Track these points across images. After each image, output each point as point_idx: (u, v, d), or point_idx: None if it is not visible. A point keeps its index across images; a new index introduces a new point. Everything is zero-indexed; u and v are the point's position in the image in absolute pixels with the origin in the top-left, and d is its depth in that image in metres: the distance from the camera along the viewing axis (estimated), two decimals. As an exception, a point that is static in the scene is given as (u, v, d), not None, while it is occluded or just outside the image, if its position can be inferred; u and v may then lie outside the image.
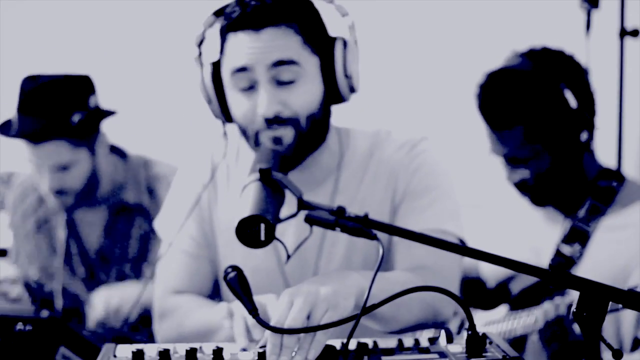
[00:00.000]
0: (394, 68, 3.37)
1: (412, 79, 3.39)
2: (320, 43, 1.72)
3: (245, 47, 1.67)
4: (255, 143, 1.71)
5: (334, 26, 1.74)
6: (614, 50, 2.77)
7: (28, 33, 3.56)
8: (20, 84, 2.51)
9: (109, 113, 2.59)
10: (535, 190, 2.22)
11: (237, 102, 1.72)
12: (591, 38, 2.66)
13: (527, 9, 3.24)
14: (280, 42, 1.66)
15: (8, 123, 2.55)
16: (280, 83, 1.67)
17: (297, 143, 1.70)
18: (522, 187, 2.23)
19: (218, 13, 1.74)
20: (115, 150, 2.69)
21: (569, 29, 2.87)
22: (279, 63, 1.66)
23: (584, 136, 2.19)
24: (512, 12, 3.27)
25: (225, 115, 1.76)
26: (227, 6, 1.73)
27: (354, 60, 1.73)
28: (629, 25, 2.76)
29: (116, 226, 2.65)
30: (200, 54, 1.75)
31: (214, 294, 1.92)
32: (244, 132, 1.74)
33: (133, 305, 2.35)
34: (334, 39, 1.72)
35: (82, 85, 2.54)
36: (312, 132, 1.72)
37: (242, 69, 1.68)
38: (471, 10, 3.32)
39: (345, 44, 1.72)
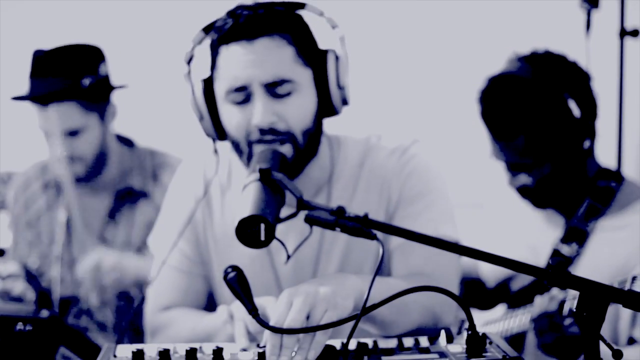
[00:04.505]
0: (392, 69, 3.37)
1: (412, 79, 3.38)
2: (313, 54, 1.70)
3: (239, 59, 1.65)
4: (248, 158, 1.69)
5: (325, 39, 1.73)
6: (614, 50, 2.77)
7: (28, 33, 3.56)
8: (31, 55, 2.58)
9: (119, 86, 2.65)
10: (537, 195, 2.22)
11: (230, 114, 1.70)
12: (591, 38, 2.65)
13: (526, 9, 3.23)
14: (275, 55, 1.65)
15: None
16: (276, 95, 1.66)
17: (294, 159, 1.69)
18: (523, 191, 2.23)
19: (207, 29, 1.72)
20: (123, 140, 2.74)
21: (569, 29, 2.87)
22: (273, 84, 1.65)
23: (586, 144, 2.18)
24: (512, 12, 3.26)
25: (218, 131, 1.74)
26: (216, 21, 1.70)
27: (345, 72, 1.72)
28: (629, 25, 2.76)
29: (121, 211, 2.67)
30: (189, 71, 1.72)
31: (208, 310, 1.88)
32: (236, 147, 1.72)
33: (129, 278, 2.41)
34: (325, 52, 1.71)
35: (93, 53, 2.61)
36: (308, 147, 1.71)
37: (239, 89, 1.66)
38: (470, 11, 3.32)
39: (337, 56, 1.71)
